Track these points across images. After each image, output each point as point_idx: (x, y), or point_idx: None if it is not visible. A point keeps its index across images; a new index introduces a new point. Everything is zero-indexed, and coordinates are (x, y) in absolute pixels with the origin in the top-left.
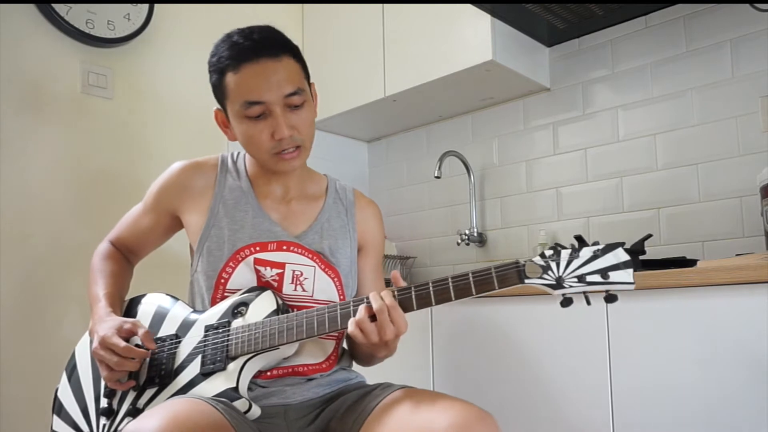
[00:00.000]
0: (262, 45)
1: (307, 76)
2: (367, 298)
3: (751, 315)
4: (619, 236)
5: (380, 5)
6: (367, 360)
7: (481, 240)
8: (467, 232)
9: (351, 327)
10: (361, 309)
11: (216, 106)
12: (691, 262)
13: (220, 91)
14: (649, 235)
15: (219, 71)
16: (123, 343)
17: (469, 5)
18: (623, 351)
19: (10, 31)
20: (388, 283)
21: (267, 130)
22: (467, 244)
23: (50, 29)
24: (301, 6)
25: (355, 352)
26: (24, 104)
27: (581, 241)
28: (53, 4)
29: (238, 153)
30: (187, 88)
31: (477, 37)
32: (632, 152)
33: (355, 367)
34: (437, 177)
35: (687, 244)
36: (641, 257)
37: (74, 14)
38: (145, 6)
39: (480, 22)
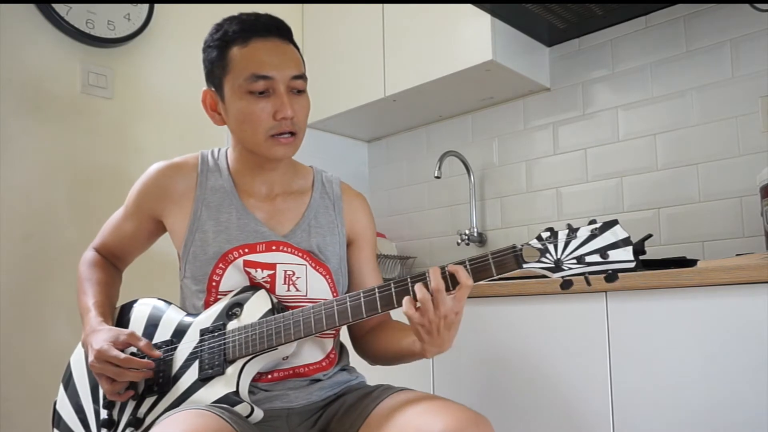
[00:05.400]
0: (274, 25)
1: None
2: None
3: (751, 315)
4: None
5: (380, 5)
6: (396, 358)
7: (481, 240)
8: (467, 232)
9: (406, 306)
10: (419, 285)
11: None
12: (691, 262)
13: (219, 66)
14: (649, 235)
15: (223, 45)
16: (122, 354)
17: (469, 5)
18: (623, 351)
19: (10, 31)
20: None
21: (269, 108)
22: (467, 244)
23: (50, 29)
24: (301, 6)
25: (382, 347)
26: (24, 104)
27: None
28: (53, 4)
29: (219, 149)
30: (187, 88)
31: (477, 37)
32: (632, 152)
33: (358, 368)
34: (437, 177)
35: (687, 244)
36: (641, 257)
37: (74, 14)
38: (145, 6)
39: (480, 22)
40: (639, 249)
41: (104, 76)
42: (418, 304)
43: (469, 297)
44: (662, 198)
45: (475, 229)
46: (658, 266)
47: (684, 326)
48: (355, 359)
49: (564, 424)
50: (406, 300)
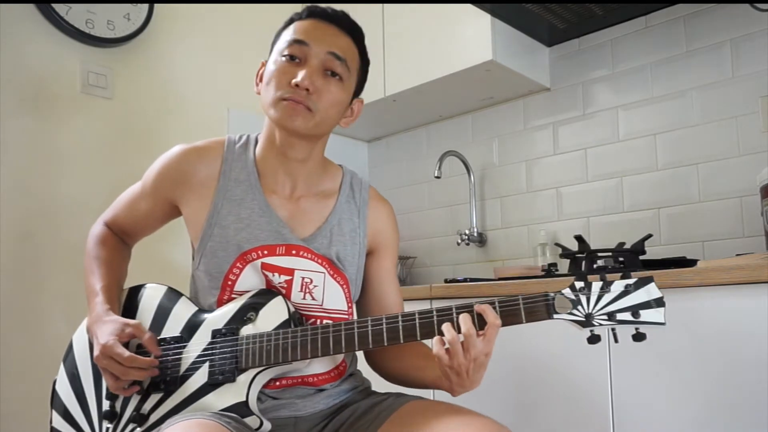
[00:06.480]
0: (339, 16)
1: (360, 85)
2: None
3: (751, 315)
4: (619, 236)
5: (380, 5)
6: (416, 385)
7: (481, 240)
8: (467, 232)
9: (436, 347)
10: (447, 326)
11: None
12: (691, 262)
13: (278, 37)
14: (649, 235)
15: (289, 21)
16: (127, 353)
17: (469, 5)
18: (623, 351)
19: (10, 31)
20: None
21: (291, 74)
22: (467, 244)
23: (50, 29)
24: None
25: (403, 372)
26: (24, 104)
27: (582, 242)
28: (53, 4)
29: (248, 135)
30: (187, 87)
31: (477, 37)
32: (632, 152)
33: (362, 371)
34: (437, 177)
35: (687, 244)
36: (641, 257)
37: (74, 14)
38: (145, 6)
39: (480, 22)
40: (639, 249)
41: (104, 76)
42: (446, 346)
43: (469, 298)
44: (662, 198)
45: (475, 229)
46: (658, 266)
47: (684, 326)
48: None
49: (564, 423)
50: (436, 341)
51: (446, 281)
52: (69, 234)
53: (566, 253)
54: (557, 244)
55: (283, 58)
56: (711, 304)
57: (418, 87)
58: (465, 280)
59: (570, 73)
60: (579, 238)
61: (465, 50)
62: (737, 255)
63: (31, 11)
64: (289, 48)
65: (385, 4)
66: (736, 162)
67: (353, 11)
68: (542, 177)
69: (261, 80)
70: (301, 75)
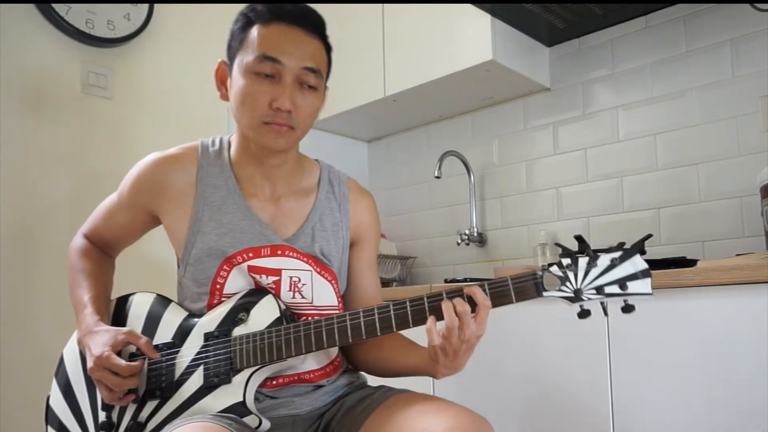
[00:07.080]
0: (302, 14)
1: (327, 77)
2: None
3: (751, 315)
4: (619, 236)
5: (380, 5)
6: (396, 374)
7: (481, 240)
8: (467, 232)
9: (429, 323)
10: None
11: (221, 59)
12: (691, 262)
13: (237, 40)
14: (649, 235)
15: (247, 20)
16: (124, 363)
17: (469, 5)
18: (623, 351)
19: (10, 31)
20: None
21: (269, 95)
22: (467, 244)
23: (50, 29)
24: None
25: (381, 360)
26: (24, 104)
27: (582, 242)
28: (53, 4)
29: (221, 138)
30: (187, 87)
31: (477, 37)
32: (632, 152)
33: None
34: (437, 177)
35: (687, 244)
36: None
37: (74, 14)
38: (145, 6)
39: (480, 22)
40: (639, 249)
41: (104, 76)
42: (443, 330)
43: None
44: (662, 198)
45: (475, 229)
46: (658, 266)
47: (684, 326)
48: None
49: (564, 424)
50: (431, 319)
51: (446, 281)
52: (68, 234)
53: (566, 253)
54: (557, 244)
55: (256, 75)
56: (711, 304)
57: (418, 87)
58: (465, 280)
59: (570, 73)
60: (579, 238)
61: (465, 50)
62: (737, 255)
63: (31, 11)
64: (261, 65)
65: (385, 4)
66: (736, 162)
67: (354, 11)
68: (542, 177)
69: (223, 84)
70: (281, 98)
